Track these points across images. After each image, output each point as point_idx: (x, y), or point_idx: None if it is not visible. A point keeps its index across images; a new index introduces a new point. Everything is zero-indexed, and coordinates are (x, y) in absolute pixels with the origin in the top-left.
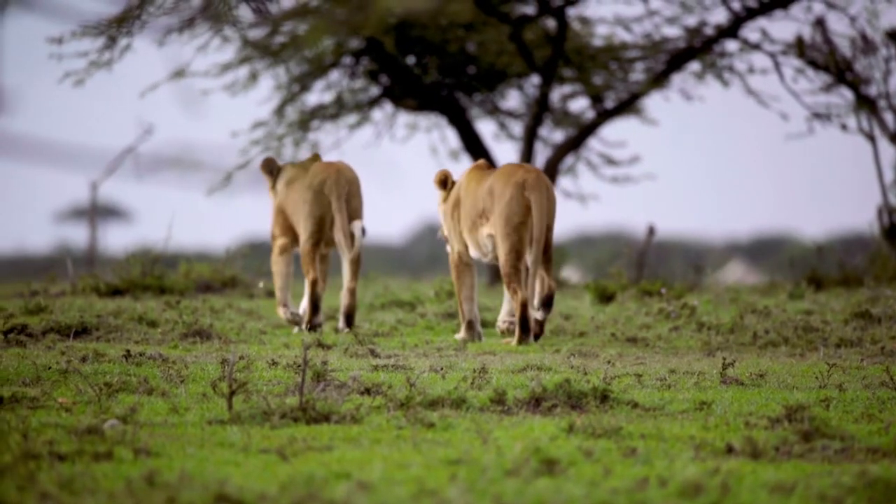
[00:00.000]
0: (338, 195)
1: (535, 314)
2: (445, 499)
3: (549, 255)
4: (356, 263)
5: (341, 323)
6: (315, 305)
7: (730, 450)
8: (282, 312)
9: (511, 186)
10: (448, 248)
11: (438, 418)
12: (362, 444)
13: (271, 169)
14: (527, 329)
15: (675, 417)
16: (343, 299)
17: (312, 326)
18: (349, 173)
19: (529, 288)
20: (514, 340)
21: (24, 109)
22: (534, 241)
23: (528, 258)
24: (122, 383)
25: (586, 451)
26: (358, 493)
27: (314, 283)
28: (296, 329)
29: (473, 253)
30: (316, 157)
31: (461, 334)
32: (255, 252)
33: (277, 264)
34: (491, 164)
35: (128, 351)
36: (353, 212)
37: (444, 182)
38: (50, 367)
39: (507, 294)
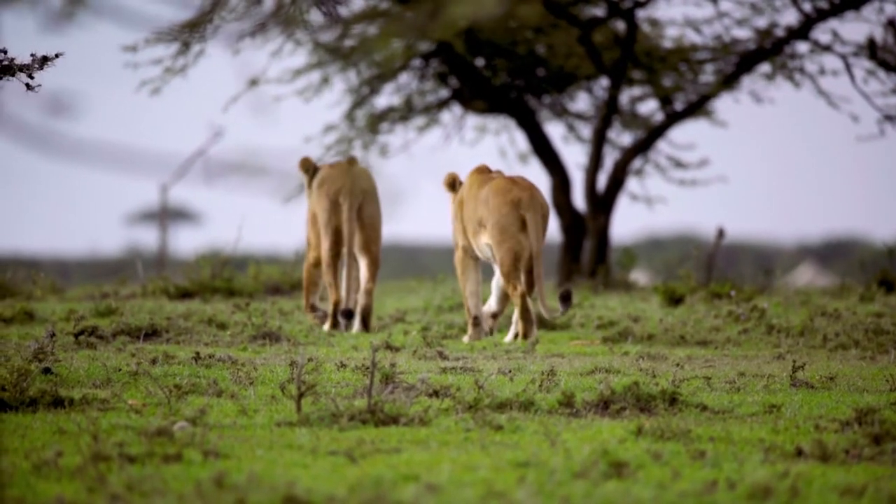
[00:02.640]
0: (350, 205)
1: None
2: (513, 501)
3: (536, 274)
4: (375, 265)
5: (356, 325)
6: (336, 322)
7: (799, 453)
8: (314, 318)
9: (507, 204)
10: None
11: (507, 421)
12: (430, 447)
13: (308, 167)
14: (530, 320)
15: (744, 420)
16: (360, 299)
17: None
18: (364, 182)
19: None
20: (513, 337)
21: (96, 113)
22: (532, 258)
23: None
24: (192, 385)
25: (655, 454)
26: (426, 495)
27: (336, 304)
28: (326, 326)
29: (477, 254)
30: (352, 161)
31: (469, 335)
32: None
33: (309, 273)
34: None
35: (197, 353)
36: (369, 218)
37: (453, 184)
38: (120, 369)
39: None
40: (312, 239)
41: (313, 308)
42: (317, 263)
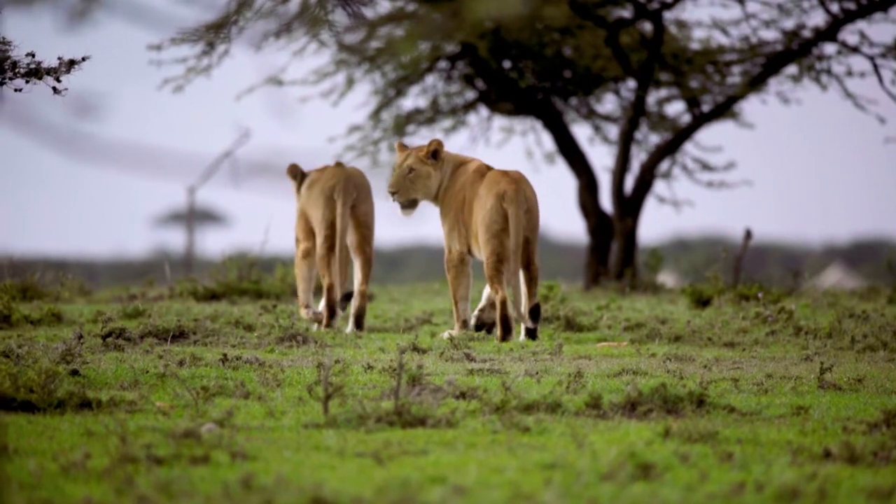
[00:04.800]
0: (344, 201)
1: (526, 323)
2: (540, 503)
3: (533, 271)
4: (368, 266)
5: (350, 326)
6: (332, 310)
7: (827, 455)
8: (304, 313)
9: (492, 197)
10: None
11: (534, 422)
12: (457, 448)
13: (296, 174)
14: (507, 328)
15: (772, 422)
16: (353, 301)
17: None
18: (359, 179)
19: (513, 294)
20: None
21: (122, 114)
22: (511, 251)
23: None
24: (219, 387)
25: (682, 456)
26: (453, 496)
27: (330, 289)
28: (315, 327)
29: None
30: (339, 165)
31: (454, 331)
32: None
33: (300, 268)
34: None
35: (224, 355)
36: (363, 216)
37: (436, 153)
38: (147, 371)
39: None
40: (300, 234)
41: (308, 307)
42: (305, 255)
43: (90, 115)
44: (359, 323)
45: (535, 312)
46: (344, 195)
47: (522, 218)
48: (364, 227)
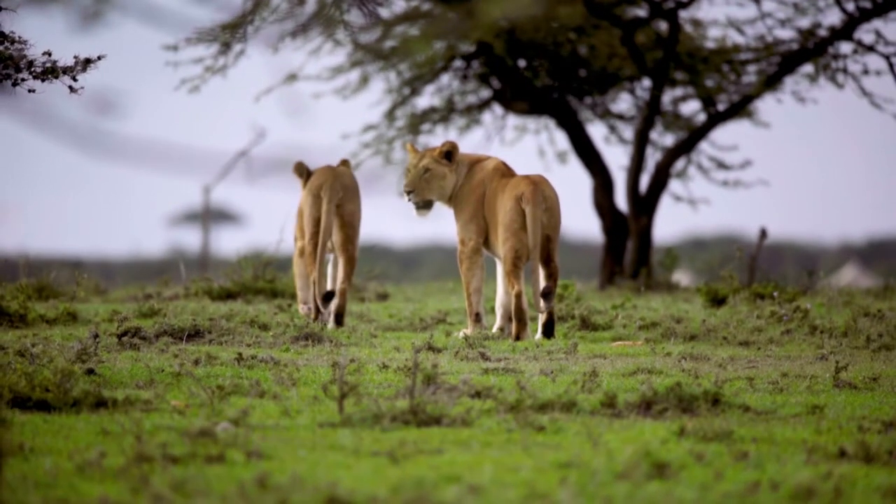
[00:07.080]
0: (329, 199)
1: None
2: (556, 502)
3: (553, 268)
4: (350, 265)
5: (331, 323)
6: (317, 306)
7: (842, 454)
8: (303, 310)
9: (512, 199)
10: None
11: (549, 422)
12: (472, 448)
13: (302, 171)
14: (523, 322)
15: (787, 421)
16: (334, 300)
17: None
18: (346, 179)
19: (534, 294)
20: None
21: (138, 113)
22: (530, 250)
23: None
24: (234, 386)
25: (697, 455)
26: (468, 496)
27: (315, 283)
28: (315, 319)
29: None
30: (345, 163)
31: (468, 330)
32: (366, 255)
33: (297, 265)
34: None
35: (240, 354)
36: (349, 216)
37: (450, 154)
38: (163, 370)
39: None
40: (297, 232)
41: (306, 303)
42: (301, 253)
43: (109, 113)
44: (339, 320)
45: (547, 294)
46: (330, 193)
47: (542, 217)
48: (348, 227)
